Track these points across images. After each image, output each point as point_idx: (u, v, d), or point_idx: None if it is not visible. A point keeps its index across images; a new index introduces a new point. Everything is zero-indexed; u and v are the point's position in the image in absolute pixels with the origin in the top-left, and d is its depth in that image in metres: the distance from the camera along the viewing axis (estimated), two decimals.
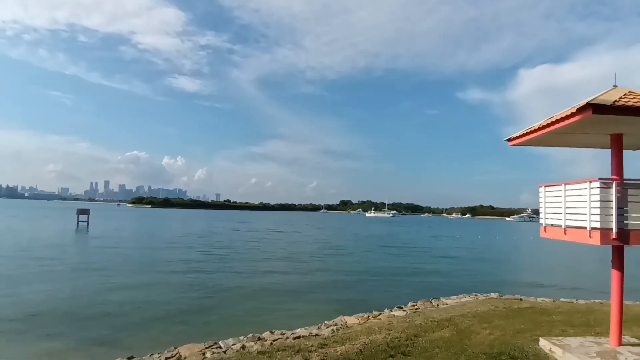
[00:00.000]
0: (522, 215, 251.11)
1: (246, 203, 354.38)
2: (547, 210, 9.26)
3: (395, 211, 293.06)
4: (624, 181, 7.67)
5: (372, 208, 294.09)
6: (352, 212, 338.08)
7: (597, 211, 7.53)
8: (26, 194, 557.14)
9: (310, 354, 8.93)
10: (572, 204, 8.32)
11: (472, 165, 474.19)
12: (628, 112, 6.99)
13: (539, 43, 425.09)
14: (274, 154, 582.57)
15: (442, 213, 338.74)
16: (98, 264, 28.30)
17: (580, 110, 7.15)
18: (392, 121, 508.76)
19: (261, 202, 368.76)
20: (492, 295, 17.21)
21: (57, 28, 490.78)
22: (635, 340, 9.08)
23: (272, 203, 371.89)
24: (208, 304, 18.58)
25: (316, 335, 10.86)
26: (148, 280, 23.52)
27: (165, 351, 9.89)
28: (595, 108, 6.96)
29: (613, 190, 7.50)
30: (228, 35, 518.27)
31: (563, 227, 8.56)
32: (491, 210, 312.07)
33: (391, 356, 8.68)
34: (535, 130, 8.78)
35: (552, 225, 9.13)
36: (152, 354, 9.89)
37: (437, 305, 14.95)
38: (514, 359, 8.47)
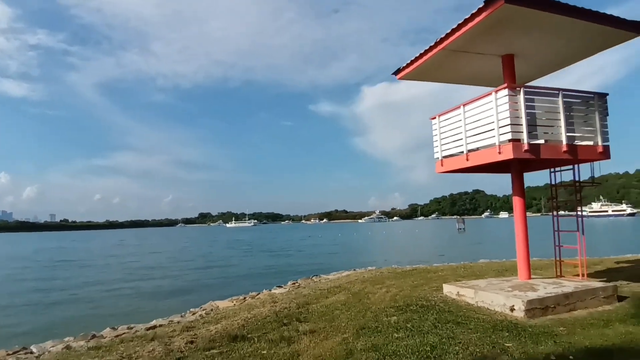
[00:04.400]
0: (371, 217, 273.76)
1: (88, 222, 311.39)
2: (443, 142, 8.41)
3: (256, 220, 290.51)
4: (529, 89, 7.04)
5: (233, 219, 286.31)
6: (212, 224, 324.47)
7: (507, 122, 6.76)
8: None
9: (171, 339, 6.32)
10: (475, 124, 7.52)
11: (326, 174, 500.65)
12: (544, 5, 6.22)
13: (379, 63, 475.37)
14: (121, 167, 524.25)
15: (302, 220, 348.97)
16: None
17: (490, 1, 6.23)
18: (249, 132, 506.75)
19: (107, 220, 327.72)
20: (370, 268, 16.49)
21: None
22: (539, 276, 8.76)
23: (120, 220, 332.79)
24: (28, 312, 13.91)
25: (179, 322, 8.18)
26: None
27: None
28: None
29: (521, 98, 6.82)
30: (64, 35, 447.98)
31: (465, 152, 7.73)
32: (345, 214, 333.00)
33: (284, 324, 6.64)
34: (430, 49, 7.77)
35: (449, 156, 8.28)
36: None
37: (319, 280, 13.43)
38: (425, 307, 7.23)
